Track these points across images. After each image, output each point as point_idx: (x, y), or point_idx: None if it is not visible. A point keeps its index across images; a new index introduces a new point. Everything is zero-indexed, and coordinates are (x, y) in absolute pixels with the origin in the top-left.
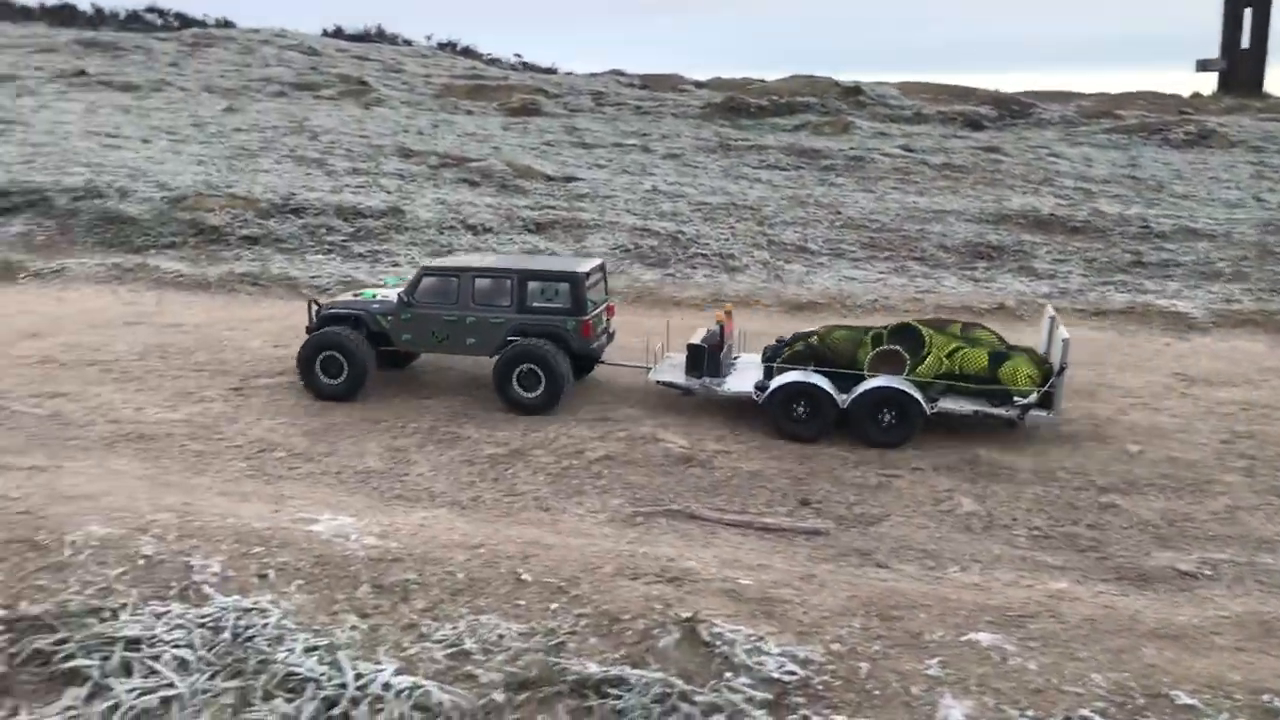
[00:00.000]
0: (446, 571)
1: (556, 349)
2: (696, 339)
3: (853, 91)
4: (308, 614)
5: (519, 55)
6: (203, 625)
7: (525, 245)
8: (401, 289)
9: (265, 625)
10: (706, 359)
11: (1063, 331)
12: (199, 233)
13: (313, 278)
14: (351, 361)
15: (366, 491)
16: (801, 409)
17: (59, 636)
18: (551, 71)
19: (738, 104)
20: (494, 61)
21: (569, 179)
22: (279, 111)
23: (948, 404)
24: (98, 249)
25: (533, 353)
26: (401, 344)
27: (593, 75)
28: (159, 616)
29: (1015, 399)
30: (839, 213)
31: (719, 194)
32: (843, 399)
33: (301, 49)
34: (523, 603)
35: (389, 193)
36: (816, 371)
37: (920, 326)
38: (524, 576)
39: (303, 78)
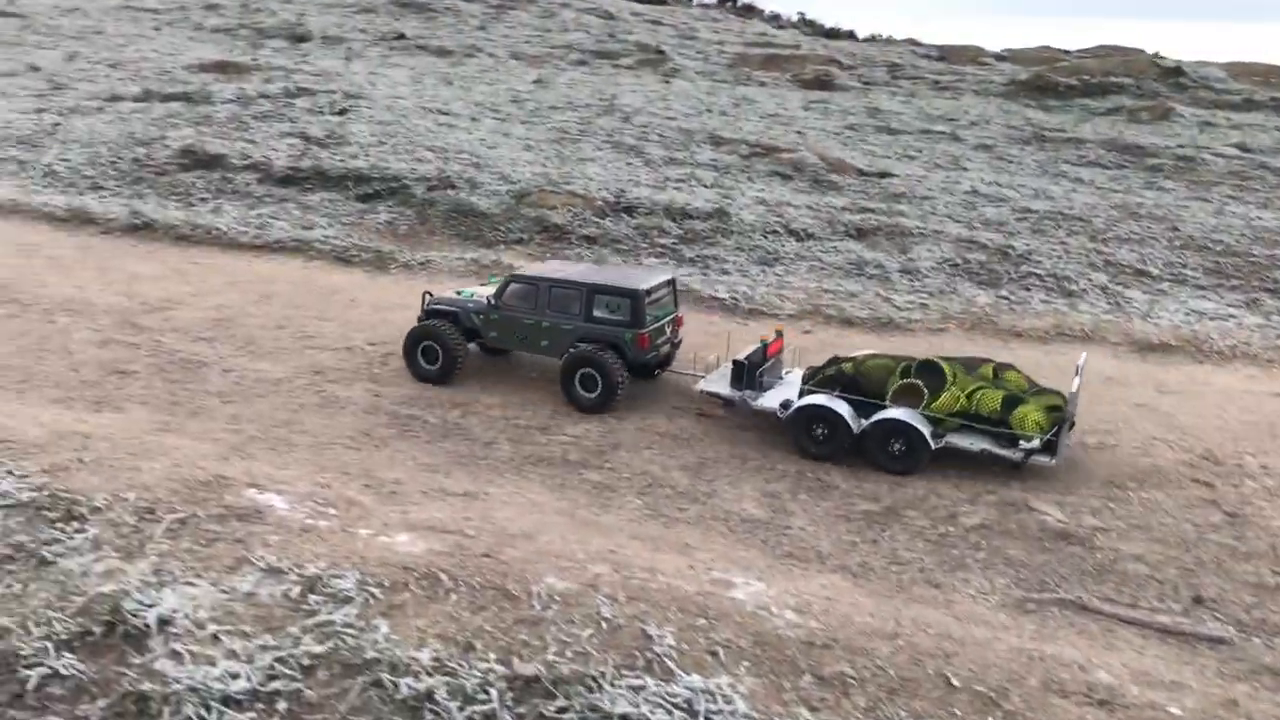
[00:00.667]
0: (876, 666)
1: (614, 357)
2: (743, 355)
3: (1173, 72)
4: (762, 702)
5: (801, 13)
6: (678, 707)
7: (849, 255)
8: (492, 291)
9: (733, 713)
10: (746, 373)
11: (1076, 381)
12: (543, 230)
13: None
14: (445, 352)
15: (757, 545)
16: (820, 430)
17: (560, 704)
18: (835, 34)
19: (1045, 83)
20: (774, 18)
21: (882, 175)
22: (586, 85)
23: (959, 440)
24: (454, 241)
25: (592, 359)
26: (489, 340)
27: (887, 43)
28: (637, 691)
29: (1021, 443)
30: (1176, 229)
31: (1041, 197)
32: (860, 425)
33: (598, 12)
34: (957, 712)
35: (707, 187)
36: (840, 396)
37: (944, 364)
38: (953, 681)
39: (602, 45)
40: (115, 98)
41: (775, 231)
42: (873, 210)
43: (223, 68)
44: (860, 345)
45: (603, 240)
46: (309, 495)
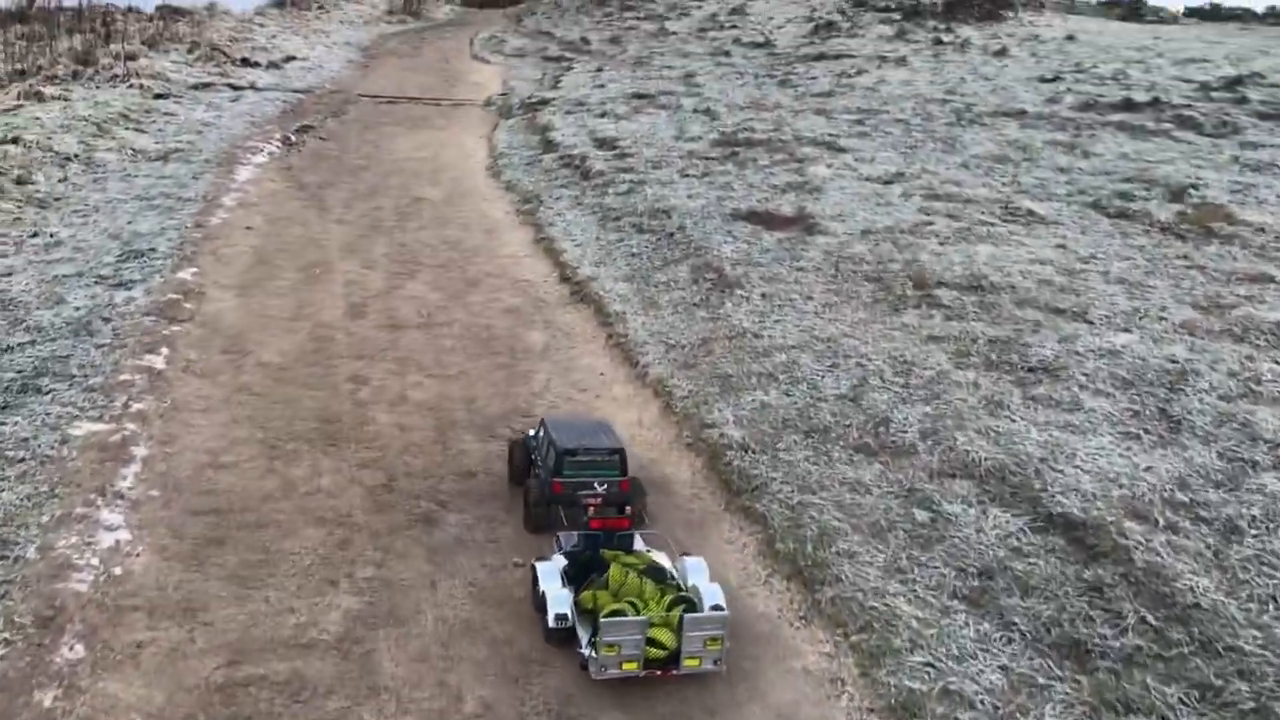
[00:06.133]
0: None
1: (538, 490)
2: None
3: None
4: None
5: None
6: None
7: None
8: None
9: None
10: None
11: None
12: None
13: None
14: (514, 463)
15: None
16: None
17: None
18: None
19: None
20: None
21: None
22: None
23: (579, 628)
24: None
25: (526, 485)
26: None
27: None
28: None
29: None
30: None
31: None
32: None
33: None
34: None
35: None
36: (564, 568)
37: (614, 569)
38: None
39: None
40: None
41: None
42: None
43: None
44: None
45: None
46: None
